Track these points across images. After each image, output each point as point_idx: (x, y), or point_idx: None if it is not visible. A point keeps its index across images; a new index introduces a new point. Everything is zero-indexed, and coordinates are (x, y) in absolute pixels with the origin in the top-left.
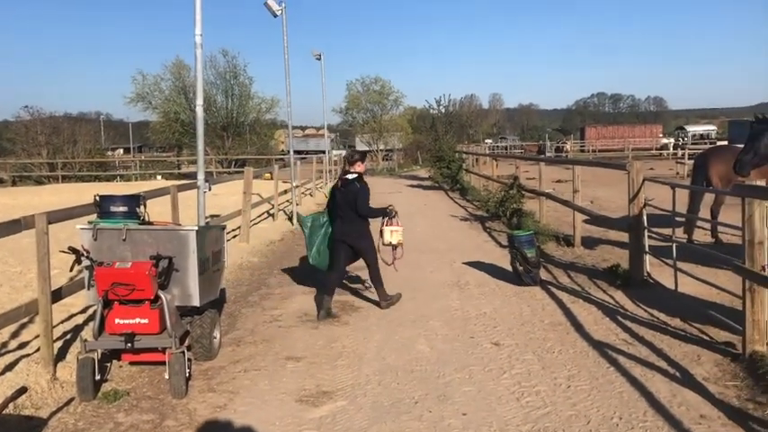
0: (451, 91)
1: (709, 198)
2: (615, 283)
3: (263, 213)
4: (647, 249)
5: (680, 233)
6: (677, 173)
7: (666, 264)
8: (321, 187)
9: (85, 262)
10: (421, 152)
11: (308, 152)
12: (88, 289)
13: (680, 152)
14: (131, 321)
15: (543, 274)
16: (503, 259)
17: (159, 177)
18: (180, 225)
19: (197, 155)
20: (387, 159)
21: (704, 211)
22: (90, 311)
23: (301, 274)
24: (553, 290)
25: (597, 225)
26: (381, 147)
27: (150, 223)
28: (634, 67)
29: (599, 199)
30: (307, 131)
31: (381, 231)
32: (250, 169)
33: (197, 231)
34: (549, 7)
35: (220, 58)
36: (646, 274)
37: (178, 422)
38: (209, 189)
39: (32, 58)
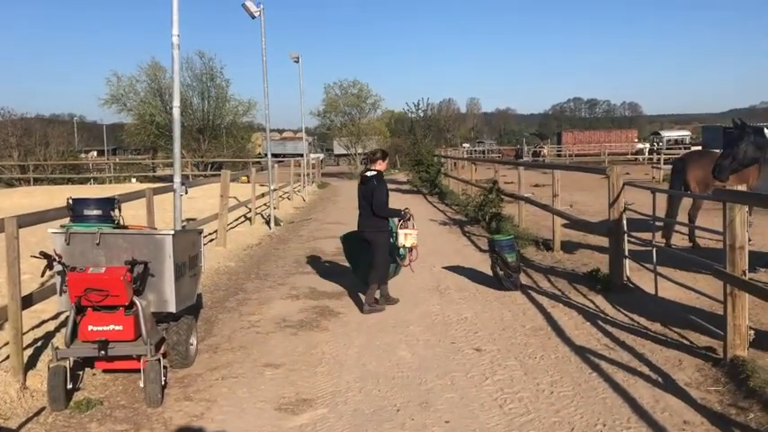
0: (429, 95)
1: (686, 202)
2: (595, 287)
3: (240, 217)
4: (626, 254)
5: (658, 237)
6: (653, 177)
7: (646, 268)
8: (299, 191)
9: (57, 267)
10: (399, 156)
11: (285, 155)
12: (60, 295)
13: (655, 157)
14: (105, 328)
15: (523, 279)
16: (483, 264)
17: (134, 180)
18: (156, 229)
19: (173, 157)
20: (365, 163)
21: (682, 216)
22: (62, 318)
23: (279, 278)
24: (534, 294)
25: (576, 229)
26: (359, 150)
27: (125, 227)
28: (609, 72)
29: (577, 203)
30: (284, 134)
31: (396, 234)
32: (227, 172)
33: (173, 236)
34: (526, 12)
35: (197, 60)
36: (626, 279)
37: None
38: (186, 192)
39: (3, 58)
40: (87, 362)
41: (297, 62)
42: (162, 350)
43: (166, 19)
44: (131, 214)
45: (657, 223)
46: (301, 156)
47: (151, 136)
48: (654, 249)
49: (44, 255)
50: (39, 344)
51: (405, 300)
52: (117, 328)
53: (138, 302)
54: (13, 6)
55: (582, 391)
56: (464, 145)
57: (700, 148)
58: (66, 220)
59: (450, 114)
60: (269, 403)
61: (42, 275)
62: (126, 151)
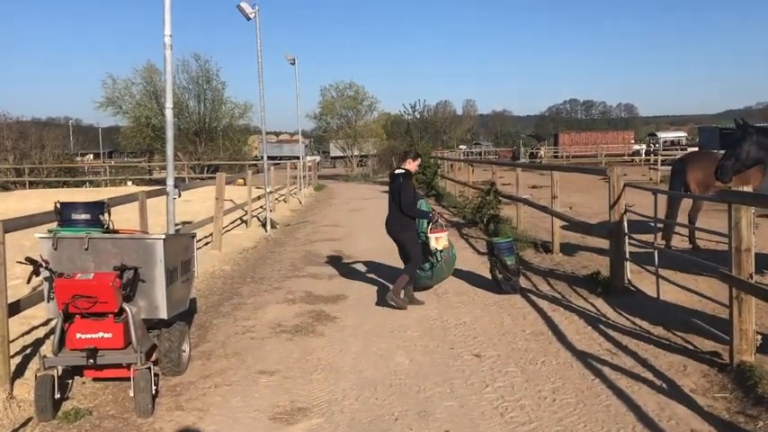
0: (426, 97)
1: (686, 204)
2: (596, 290)
3: (236, 220)
4: (627, 256)
5: (658, 239)
6: (650, 179)
7: (648, 270)
8: (295, 193)
9: (44, 273)
10: (396, 158)
11: (281, 158)
12: (48, 302)
13: (652, 158)
14: (94, 336)
15: (523, 282)
16: (481, 267)
17: (130, 183)
18: (147, 233)
19: (166, 160)
20: (361, 165)
21: (681, 217)
22: (53, 324)
23: (275, 282)
24: (533, 298)
25: (575, 231)
26: (356, 152)
27: (115, 231)
28: (605, 74)
29: (575, 204)
30: (281, 137)
31: (427, 238)
32: (222, 175)
33: (164, 240)
34: (521, 14)
35: (193, 63)
36: (627, 282)
37: None
38: (179, 195)
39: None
40: (76, 370)
41: (293, 64)
42: (153, 357)
43: (161, 20)
44: (126, 218)
45: (658, 225)
46: (298, 158)
47: (147, 139)
48: (656, 252)
49: (30, 260)
50: (27, 351)
51: None
52: (106, 335)
53: (127, 309)
54: (8, 10)
55: (585, 398)
56: (461, 147)
57: (696, 149)
58: (55, 225)
59: (447, 116)
60: (263, 412)
61: (28, 282)
62: (122, 154)
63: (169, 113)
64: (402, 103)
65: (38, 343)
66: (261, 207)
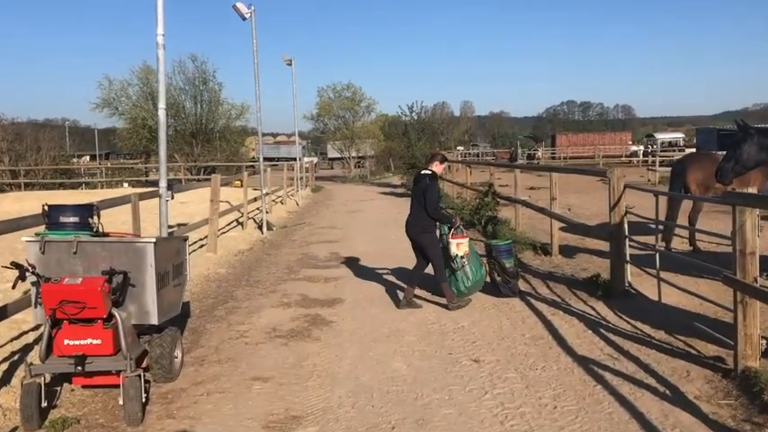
0: (423, 98)
1: (686, 205)
2: (596, 293)
3: (232, 222)
4: (628, 258)
5: (658, 241)
6: (648, 180)
7: (648, 273)
8: (292, 195)
9: (31, 278)
10: (393, 159)
11: (279, 159)
12: (35, 307)
13: (650, 159)
14: (82, 342)
15: (522, 285)
16: None
17: (126, 185)
18: (138, 236)
19: (159, 161)
20: (359, 167)
21: (681, 219)
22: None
23: (270, 285)
24: (532, 301)
25: (574, 233)
26: (353, 154)
27: (105, 234)
28: (603, 75)
29: (573, 206)
30: (278, 138)
31: (448, 245)
32: (217, 176)
33: (155, 243)
34: (519, 15)
35: (189, 64)
36: (627, 284)
37: None
38: (172, 197)
39: None
40: (64, 377)
41: (290, 65)
42: (144, 364)
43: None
44: (122, 220)
45: (658, 227)
46: (295, 159)
47: (143, 140)
48: (657, 254)
49: (15, 265)
50: (15, 357)
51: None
52: (95, 341)
53: (117, 315)
54: (4, 11)
55: (586, 405)
56: (458, 148)
57: (694, 150)
58: (43, 228)
59: (444, 117)
60: (256, 421)
61: (14, 287)
62: (119, 156)
63: (162, 114)
64: (399, 104)
65: (27, 348)
66: (257, 209)
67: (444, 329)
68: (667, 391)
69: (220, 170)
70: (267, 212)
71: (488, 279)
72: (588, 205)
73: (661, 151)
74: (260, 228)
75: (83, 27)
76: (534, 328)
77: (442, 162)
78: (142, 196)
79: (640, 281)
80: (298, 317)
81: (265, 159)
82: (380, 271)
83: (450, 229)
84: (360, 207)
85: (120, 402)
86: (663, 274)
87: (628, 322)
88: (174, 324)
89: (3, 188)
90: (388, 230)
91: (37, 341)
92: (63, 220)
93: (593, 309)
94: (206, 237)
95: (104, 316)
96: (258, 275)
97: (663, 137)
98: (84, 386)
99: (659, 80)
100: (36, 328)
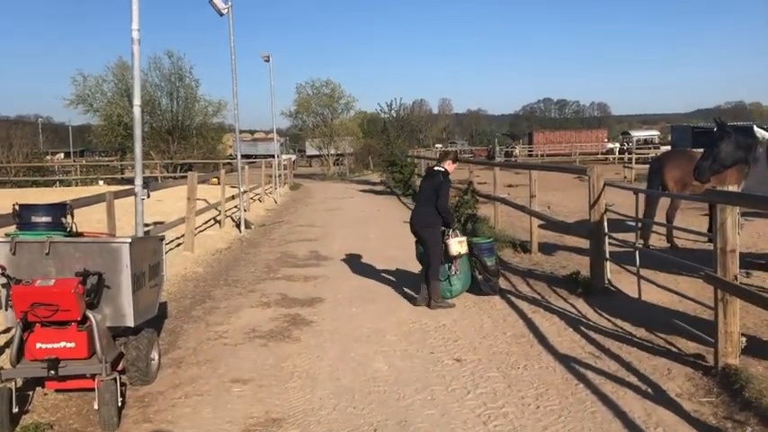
0: (402, 96)
1: (664, 202)
2: (576, 291)
3: (209, 220)
4: (607, 256)
5: (634, 238)
6: (624, 177)
7: (628, 270)
8: (270, 192)
9: (1, 279)
10: (372, 157)
11: (256, 156)
12: (6, 309)
13: (626, 156)
14: (55, 346)
15: (502, 283)
16: None
17: (101, 183)
18: (112, 236)
19: (135, 158)
20: (338, 164)
21: (659, 216)
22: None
23: (249, 284)
24: (513, 299)
25: (554, 230)
26: (332, 151)
27: (79, 234)
28: (579, 73)
29: (551, 203)
30: (256, 135)
31: (447, 245)
32: (194, 174)
33: (131, 243)
34: (497, 13)
35: (165, 60)
36: (607, 282)
37: None
38: (148, 195)
39: None
40: (37, 381)
41: (267, 61)
42: (120, 367)
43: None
44: (96, 219)
45: (638, 224)
46: (273, 157)
47: (119, 137)
48: (637, 252)
49: None
50: None
51: (380, 306)
52: (68, 345)
53: (91, 317)
54: None
55: (569, 404)
56: (437, 145)
57: (669, 147)
58: (13, 229)
59: (423, 115)
60: (236, 424)
61: None
62: (94, 153)
63: (137, 111)
64: (378, 101)
65: None
66: (235, 207)
67: (425, 328)
68: (649, 390)
69: (197, 168)
70: (245, 210)
71: None
72: (566, 203)
73: (636, 149)
74: (238, 226)
75: (56, 22)
76: (515, 326)
77: (454, 161)
78: (117, 195)
79: (619, 278)
80: (277, 317)
81: (243, 157)
82: (361, 270)
83: (451, 230)
84: (339, 205)
85: (96, 407)
86: (642, 272)
87: (608, 320)
88: (150, 325)
89: None
90: (367, 228)
91: (8, 345)
92: (35, 219)
93: (574, 306)
94: (183, 235)
95: (78, 318)
96: (236, 275)
97: (638, 134)
98: (57, 390)
99: (634, 78)
100: (6, 330)
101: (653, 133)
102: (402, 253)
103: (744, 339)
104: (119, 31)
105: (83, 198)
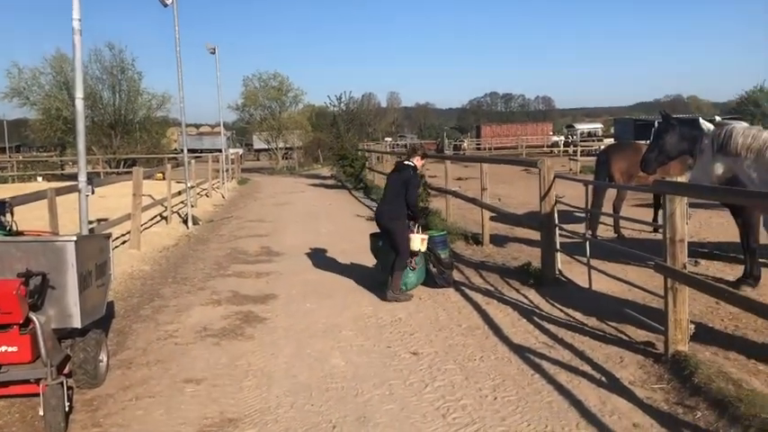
0: (350, 89)
1: (611, 193)
2: (528, 281)
3: (155, 216)
4: (558, 247)
5: (583, 229)
6: (570, 169)
7: (578, 261)
8: (218, 187)
9: None
10: (322, 150)
11: (202, 151)
12: None
13: (571, 149)
14: None
15: (456, 275)
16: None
17: (40, 179)
18: (56, 234)
19: (77, 154)
20: (287, 158)
21: (606, 207)
22: None
23: (198, 282)
24: (467, 291)
25: (505, 222)
26: (281, 145)
27: (20, 233)
28: (523, 67)
29: (501, 196)
30: (201, 129)
31: (410, 239)
32: (139, 169)
33: (76, 242)
34: (442, 8)
35: (106, 52)
36: (558, 272)
37: None
38: (92, 192)
39: None
40: None
41: (213, 53)
42: (66, 370)
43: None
44: (37, 216)
45: (583, 215)
46: (220, 151)
47: (58, 132)
48: (587, 242)
49: None
50: None
51: (335, 302)
52: (10, 349)
53: (35, 319)
54: None
55: (526, 395)
56: (386, 139)
57: (612, 140)
58: None
59: (372, 108)
60: (190, 426)
61: None
62: (31, 148)
63: (79, 104)
64: (327, 94)
65: None
66: (182, 202)
67: (381, 323)
68: (603, 378)
69: (141, 162)
70: (192, 206)
71: None
72: (515, 195)
73: (581, 141)
74: (185, 222)
75: None
76: (470, 318)
77: (423, 157)
78: (59, 191)
79: (570, 268)
80: (229, 314)
81: (189, 151)
82: (314, 265)
83: (416, 225)
84: (289, 199)
85: (41, 413)
86: (592, 262)
87: (560, 310)
88: (98, 326)
89: None
90: (319, 223)
91: None
92: None
93: (526, 297)
94: (128, 232)
95: (21, 321)
96: (185, 272)
97: (582, 127)
98: None
99: (577, 73)
100: None
101: (596, 126)
102: (355, 246)
103: (692, 326)
104: (59, 21)
105: (22, 195)
